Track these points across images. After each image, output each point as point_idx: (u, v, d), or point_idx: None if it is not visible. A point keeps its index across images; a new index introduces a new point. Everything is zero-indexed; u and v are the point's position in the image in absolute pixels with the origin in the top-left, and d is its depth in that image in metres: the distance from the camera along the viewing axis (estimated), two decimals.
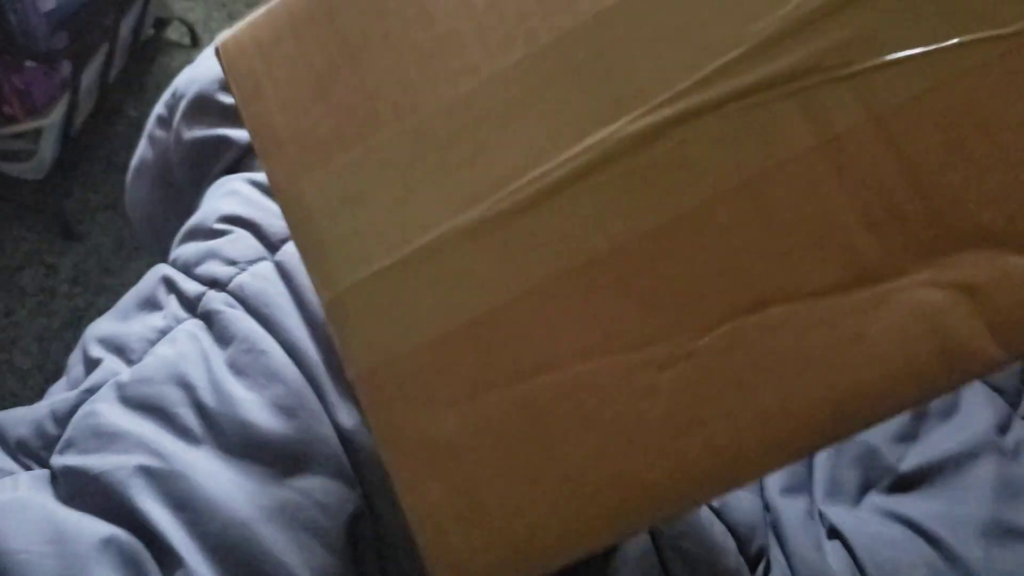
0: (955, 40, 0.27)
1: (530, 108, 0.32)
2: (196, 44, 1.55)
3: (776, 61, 0.29)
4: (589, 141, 0.31)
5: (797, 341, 0.28)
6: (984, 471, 0.46)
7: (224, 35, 0.36)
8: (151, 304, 0.52)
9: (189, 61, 1.56)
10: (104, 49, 1.28)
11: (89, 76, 1.28)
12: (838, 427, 0.27)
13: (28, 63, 1.17)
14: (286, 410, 0.46)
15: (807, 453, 0.28)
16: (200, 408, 0.46)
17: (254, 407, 0.45)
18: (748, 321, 0.28)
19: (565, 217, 0.31)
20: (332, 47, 0.34)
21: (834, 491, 0.45)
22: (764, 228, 0.29)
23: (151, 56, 1.53)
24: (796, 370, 0.28)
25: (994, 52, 0.27)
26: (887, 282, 0.27)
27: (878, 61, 0.28)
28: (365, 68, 0.34)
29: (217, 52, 0.37)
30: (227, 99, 0.59)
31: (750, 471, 0.28)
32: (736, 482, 0.28)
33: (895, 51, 0.28)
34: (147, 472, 0.43)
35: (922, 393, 0.27)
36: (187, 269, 0.52)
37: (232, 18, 1.55)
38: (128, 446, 0.44)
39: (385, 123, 0.33)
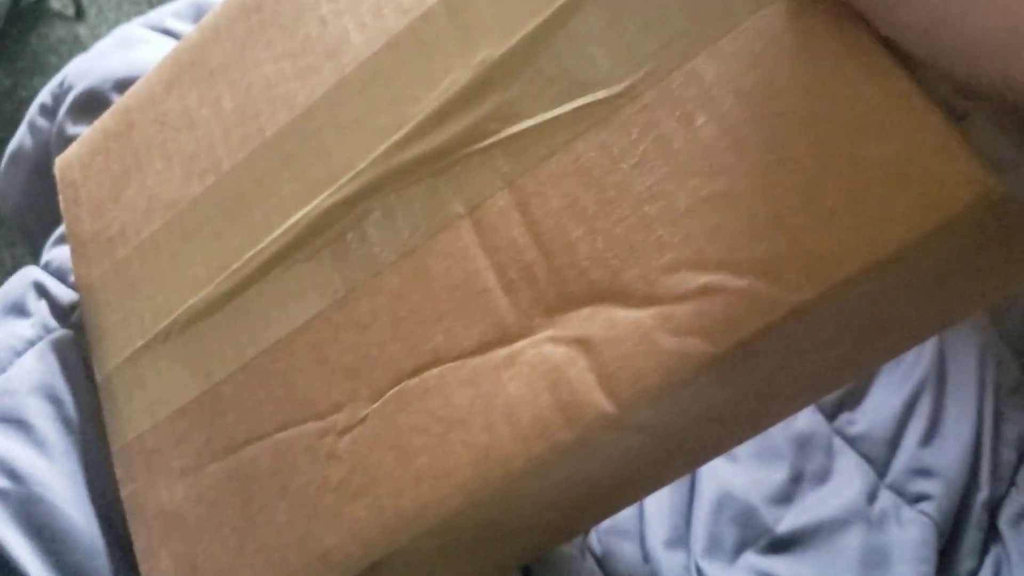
0: (570, 106, 0.29)
1: (253, 195, 0.35)
2: (80, 16, 1.46)
3: (430, 139, 0.31)
4: (291, 220, 0.34)
5: (447, 401, 0.29)
6: (852, 539, 0.48)
7: (63, 154, 0.43)
8: (19, 310, 0.48)
9: (71, 33, 1.49)
10: None
11: None
12: (481, 485, 0.28)
13: None
14: None
15: (462, 514, 0.29)
16: (67, 425, 0.43)
17: None
18: (410, 385, 0.30)
19: (270, 293, 0.34)
20: (127, 156, 0.40)
21: (713, 548, 0.46)
22: (424, 295, 0.30)
23: (30, 24, 1.44)
24: (444, 430, 0.29)
25: (604, 112, 0.28)
26: (519, 340, 0.29)
27: (507, 133, 0.30)
28: (146, 172, 0.39)
29: (56, 170, 0.42)
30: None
31: (407, 532, 0.29)
32: (395, 543, 0.29)
33: (522, 122, 0.30)
34: (2, 495, 0.40)
35: (551, 449, 0.27)
36: (61, 275, 0.48)
37: None
38: None
39: (154, 219, 0.38)
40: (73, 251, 0.40)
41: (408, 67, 0.33)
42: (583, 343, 0.27)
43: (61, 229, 0.52)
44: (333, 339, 0.32)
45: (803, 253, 0.24)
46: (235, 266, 0.35)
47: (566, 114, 0.29)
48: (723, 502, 0.47)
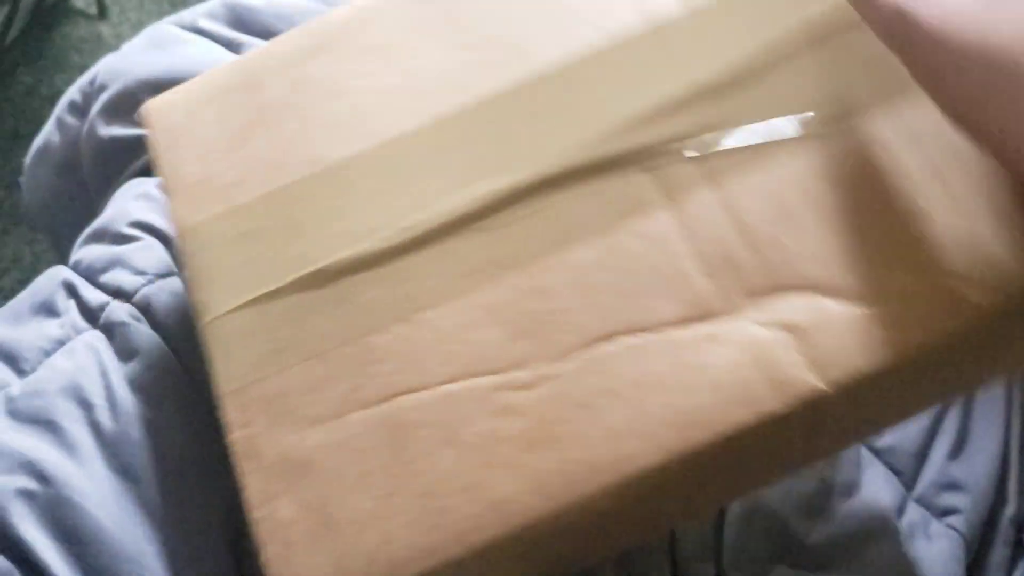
0: (778, 124, 0.34)
1: (420, 165, 0.37)
2: (103, 15, 1.47)
3: (632, 138, 0.35)
4: (473, 193, 0.36)
5: (644, 367, 0.31)
6: (882, 552, 0.47)
7: (153, 99, 0.42)
8: (48, 309, 0.48)
9: (93, 32, 1.49)
10: (5, 9, 1.20)
11: None
12: (682, 444, 0.30)
13: None
14: (179, 433, 0.43)
15: (655, 472, 0.31)
16: (96, 428, 0.43)
17: (153, 427, 0.43)
18: (601, 349, 0.32)
19: (442, 257, 0.35)
20: (252, 111, 0.40)
21: (743, 560, 0.46)
22: (619, 271, 0.33)
23: (53, 23, 1.45)
24: (642, 393, 0.31)
25: (809, 137, 0.34)
26: (721, 320, 0.32)
27: (713, 140, 0.34)
28: (276, 129, 0.39)
29: (142, 113, 0.42)
30: None
31: (598, 485, 0.31)
32: (585, 497, 0.31)
33: (730, 132, 0.34)
34: (30, 496, 0.40)
35: (758, 417, 0.30)
36: (90, 275, 0.48)
37: None
38: (11, 465, 0.41)
39: (286, 173, 0.38)
40: (172, 191, 0.39)
41: (611, 76, 0.36)
42: (791, 327, 0.31)
43: (91, 228, 0.52)
44: (513, 303, 0.33)
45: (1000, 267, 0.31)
46: (403, 225, 0.36)
47: (774, 130, 0.34)
48: (753, 514, 0.47)
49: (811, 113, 0.34)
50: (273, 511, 0.32)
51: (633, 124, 0.35)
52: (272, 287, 0.36)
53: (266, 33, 0.57)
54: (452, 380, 0.33)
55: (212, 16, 0.60)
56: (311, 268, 0.36)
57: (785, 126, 0.34)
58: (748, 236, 0.33)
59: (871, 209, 0.32)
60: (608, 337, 0.32)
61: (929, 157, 0.32)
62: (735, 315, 0.32)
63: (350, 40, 0.40)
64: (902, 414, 0.39)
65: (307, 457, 0.33)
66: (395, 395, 0.33)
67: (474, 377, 0.33)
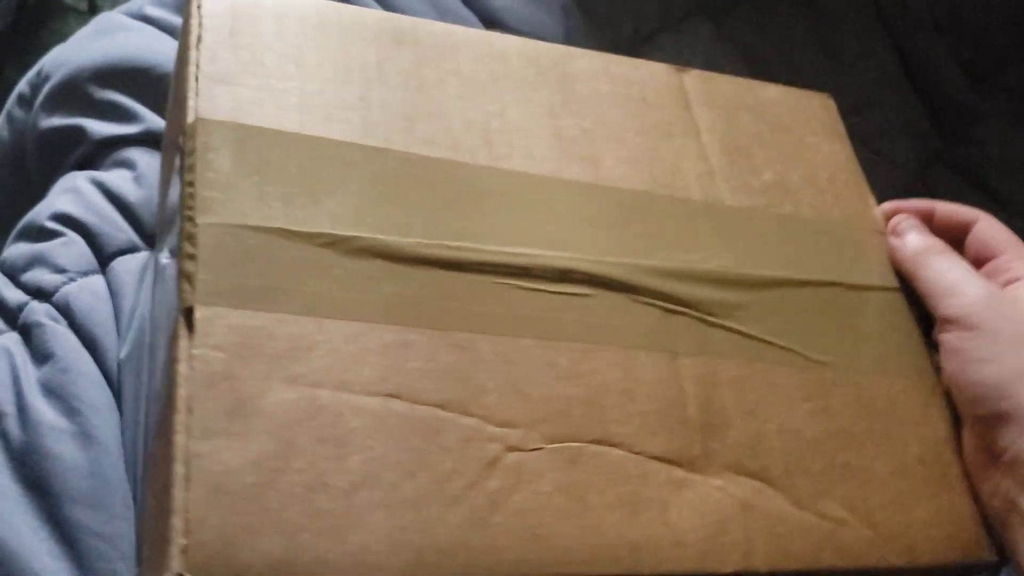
0: (787, 345, 0.39)
1: (545, 210, 0.38)
2: (93, 11, 1.45)
3: (678, 284, 0.38)
4: (520, 249, 0.36)
5: (615, 479, 0.33)
6: None
7: None
8: None
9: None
10: None
11: None
12: (626, 568, 0.31)
13: None
14: (94, 442, 0.40)
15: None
16: (4, 437, 0.40)
17: (61, 437, 0.40)
18: (590, 448, 0.33)
19: (476, 295, 0.35)
20: (290, 50, 0.37)
21: None
22: (624, 386, 0.35)
23: (42, 18, 1.43)
24: (606, 504, 0.32)
25: (808, 364, 0.38)
26: (697, 474, 0.34)
27: (740, 327, 0.38)
28: (311, 78, 0.37)
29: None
30: (97, 91, 0.54)
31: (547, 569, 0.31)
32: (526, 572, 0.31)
33: (753, 327, 0.38)
34: None
35: (694, 561, 0.32)
36: (13, 274, 0.46)
37: None
38: None
39: (308, 124, 0.35)
40: (202, 76, 0.35)
41: (667, 219, 0.40)
42: (744, 504, 0.34)
43: (20, 224, 0.50)
44: (525, 366, 0.34)
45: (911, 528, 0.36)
46: (442, 242, 0.35)
47: (783, 349, 0.38)
48: None
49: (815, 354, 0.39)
50: (215, 451, 0.28)
51: (676, 271, 0.38)
52: (300, 228, 0.33)
53: None
54: (443, 406, 0.32)
55: (160, 3, 0.57)
56: (349, 232, 0.33)
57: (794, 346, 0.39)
58: (742, 411, 0.36)
59: (837, 439, 0.37)
60: (595, 440, 0.33)
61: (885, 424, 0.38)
62: (709, 475, 0.34)
63: (411, 51, 0.40)
64: None
65: (266, 411, 0.29)
66: (382, 393, 0.31)
67: (465, 416, 0.32)
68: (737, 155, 0.43)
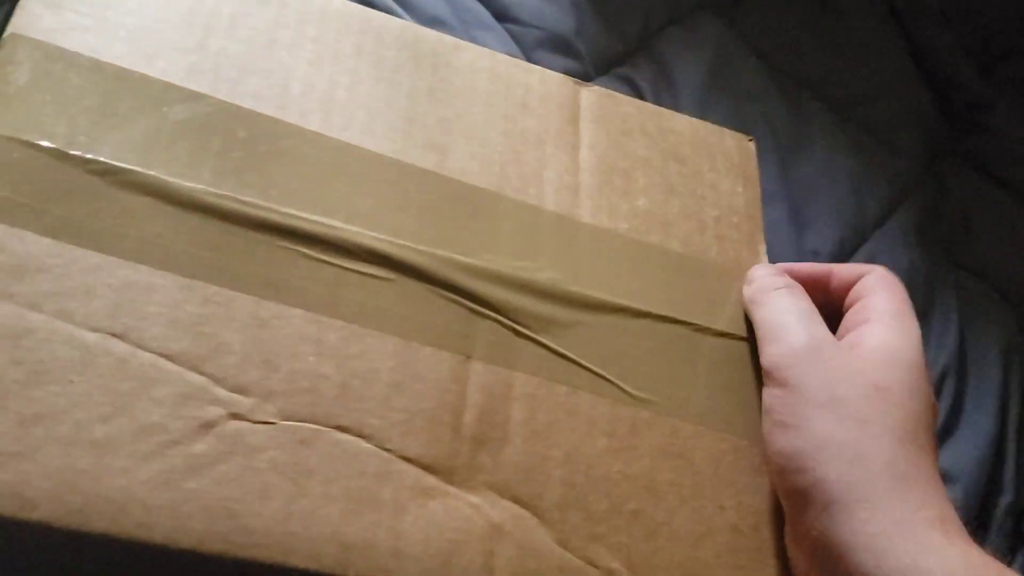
0: (604, 374, 0.35)
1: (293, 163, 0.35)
2: None
3: (489, 284, 0.35)
4: (342, 225, 0.34)
5: (349, 475, 0.30)
6: None
7: None
8: None
9: None
10: (6, 7, 1.23)
11: None
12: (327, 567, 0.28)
13: None
14: None
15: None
16: None
17: None
18: (331, 434, 0.30)
19: (248, 251, 0.32)
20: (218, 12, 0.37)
21: None
22: (398, 382, 0.32)
23: None
24: (328, 495, 0.29)
25: (620, 396, 0.35)
26: (453, 486, 0.31)
27: (547, 341, 0.35)
28: (229, 43, 0.36)
29: None
30: None
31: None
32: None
33: (567, 348, 0.35)
34: None
35: None
36: None
37: None
38: None
39: (137, 60, 0.34)
40: None
41: (505, 221, 0.37)
42: (498, 529, 0.31)
43: None
44: (283, 336, 0.31)
45: None
46: (231, 194, 0.33)
47: (597, 377, 0.35)
48: None
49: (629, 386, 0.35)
50: None
51: (493, 271, 0.35)
52: (74, 152, 0.31)
53: None
54: (165, 355, 0.29)
55: None
56: (127, 165, 0.32)
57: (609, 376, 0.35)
58: (522, 429, 0.33)
59: (633, 484, 0.33)
60: (346, 429, 0.30)
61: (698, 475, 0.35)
62: (466, 490, 0.31)
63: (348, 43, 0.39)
64: None
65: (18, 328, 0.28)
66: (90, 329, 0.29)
67: (169, 361, 0.29)
68: (614, 176, 0.40)
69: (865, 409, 0.32)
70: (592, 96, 0.43)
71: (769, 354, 0.35)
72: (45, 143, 0.31)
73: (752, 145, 0.45)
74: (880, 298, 0.36)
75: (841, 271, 0.39)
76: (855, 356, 0.34)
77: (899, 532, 0.29)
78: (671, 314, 0.37)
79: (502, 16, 0.59)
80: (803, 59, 0.70)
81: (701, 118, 0.45)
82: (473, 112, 0.39)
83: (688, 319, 0.38)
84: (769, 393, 0.34)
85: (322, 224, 0.33)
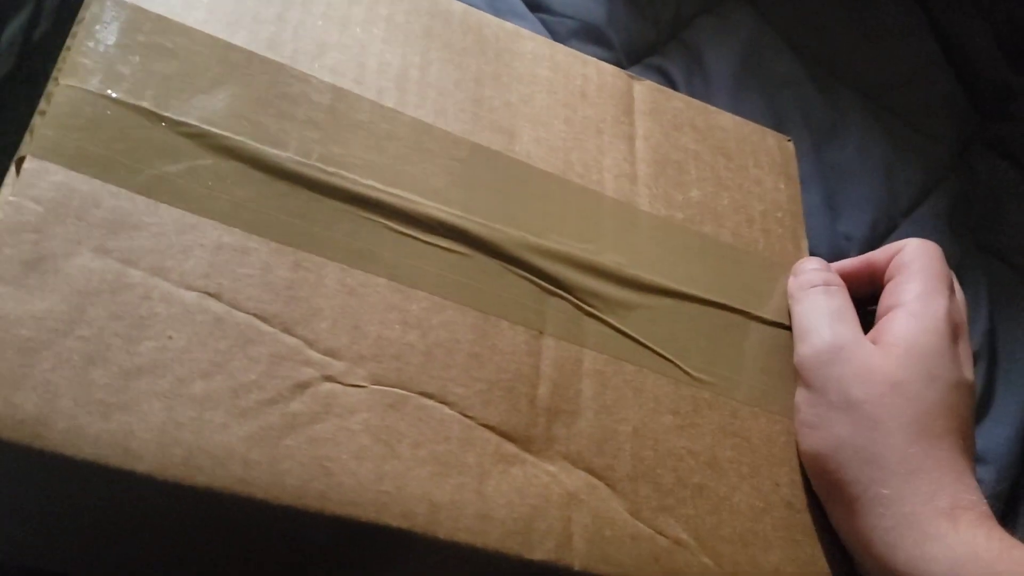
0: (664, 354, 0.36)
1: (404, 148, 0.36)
2: None
3: (561, 265, 0.36)
4: (409, 195, 0.34)
5: (436, 439, 0.30)
6: None
7: None
8: None
9: None
10: (30, 6, 1.21)
11: (11, 34, 1.21)
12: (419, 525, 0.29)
13: None
14: None
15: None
16: None
17: None
18: (417, 399, 0.31)
19: (334, 219, 0.33)
20: None
21: None
22: (477, 353, 0.33)
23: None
24: (417, 458, 0.30)
25: (684, 378, 0.36)
26: (530, 454, 0.31)
27: (619, 323, 0.36)
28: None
29: None
30: None
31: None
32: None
33: (636, 331, 0.36)
34: None
35: (497, 538, 0.29)
36: None
37: None
38: None
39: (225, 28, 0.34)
40: None
41: (570, 205, 0.38)
42: (573, 497, 0.31)
43: None
44: (370, 303, 0.32)
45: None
46: (316, 164, 0.33)
47: (659, 357, 0.36)
48: None
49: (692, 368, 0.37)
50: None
51: (564, 253, 0.36)
52: (167, 114, 0.31)
53: None
54: (259, 316, 0.30)
55: None
56: (217, 130, 0.32)
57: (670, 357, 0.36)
58: (596, 403, 0.34)
59: (697, 459, 0.34)
60: (432, 396, 0.31)
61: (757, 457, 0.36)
62: (542, 459, 0.32)
63: (440, 35, 0.40)
64: None
65: (66, 272, 0.28)
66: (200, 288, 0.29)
67: (264, 322, 0.30)
68: (668, 167, 0.41)
69: (879, 410, 0.33)
70: (644, 89, 0.44)
71: (798, 354, 0.37)
72: (137, 103, 0.31)
73: (791, 146, 0.47)
74: (908, 278, 0.37)
75: (877, 258, 0.40)
76: (875, 353, 0.35)
77: (907, 525, 0.31)
78: (725, 301, 0.39)
79: (535, 6, 0.60)
80: (834, 46, 0.71)
81: (734, 106, 0.46)
82: (537, 98, 0.40)
83: (740, 307, 0.39)
84: (799, 392, 0.36)
85: (402, 198, 0.34)
